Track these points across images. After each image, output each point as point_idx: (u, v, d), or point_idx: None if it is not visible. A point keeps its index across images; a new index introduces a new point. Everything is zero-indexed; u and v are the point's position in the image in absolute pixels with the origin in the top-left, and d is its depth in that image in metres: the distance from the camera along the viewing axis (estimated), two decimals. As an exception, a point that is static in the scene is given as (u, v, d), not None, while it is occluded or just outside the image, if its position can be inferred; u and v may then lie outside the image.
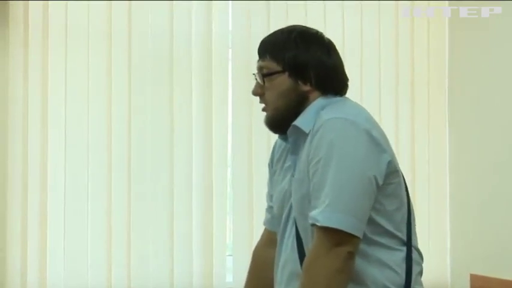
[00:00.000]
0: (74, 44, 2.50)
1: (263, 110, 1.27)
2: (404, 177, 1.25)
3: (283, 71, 1.23)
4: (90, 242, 2.51)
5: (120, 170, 2.51)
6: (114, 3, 2.50)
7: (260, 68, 1.25)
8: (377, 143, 1.17)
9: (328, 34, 1.29)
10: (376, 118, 1.24)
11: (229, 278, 2.61)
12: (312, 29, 1.30)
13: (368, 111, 1.25)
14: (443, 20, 2.97)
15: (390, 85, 2.78)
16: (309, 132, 1.19)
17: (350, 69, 2.59)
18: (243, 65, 2.48)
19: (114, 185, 2.51)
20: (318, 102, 1.22)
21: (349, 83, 1.29)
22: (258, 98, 1.28)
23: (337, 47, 1.28)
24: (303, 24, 1.35)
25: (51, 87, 2.49)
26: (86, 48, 2.50)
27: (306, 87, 1.23)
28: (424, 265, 1.30)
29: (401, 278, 1.23)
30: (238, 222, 2.58)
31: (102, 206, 2.50)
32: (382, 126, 1.22)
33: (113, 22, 2.51)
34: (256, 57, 1.26)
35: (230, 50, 2.56)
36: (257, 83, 1.26)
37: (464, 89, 3.00)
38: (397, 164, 1.22)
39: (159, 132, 2.55)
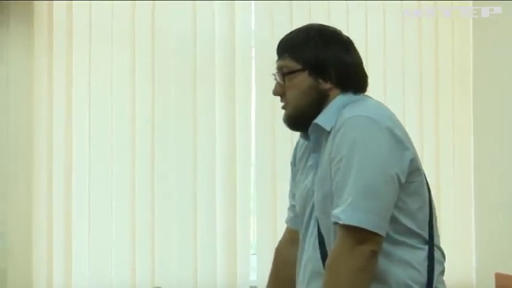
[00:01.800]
0: (97, 44, 2.52)
1: (283, 108, 1.27)
2: (426, 176, 1.25)
3: (303, 70, 1.24)
4: (115, 242, 2.53)
5: (144, 171, 2.53)
6: (137, 4, 2.52)
7: (280, 68, 1.26)
8: (399, 141, 1.17)
9: (351, 34, 1.30)
10: (400, 118, 1.24)
11: (253, 277, 2.62)
12: (330, 27, 1.31)
13: (391, 110, 1.26)
14: (468, 20, 2.94)
15: (414, 86, 2.75)
16: (331, 130, 1.19)
17: (373, 69, 2.57)
18: (267, 65, 2.46)
19: (138, 186, 2.52)
20: (339, 100, 1.23)
21: (373, 84, 1.28)
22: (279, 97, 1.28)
23: (360, 47, 1.29)
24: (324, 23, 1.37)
25: (75, 87, 2.53)
26: (110, 48, 2.52)
27: (327, 85, 1.23)
28: (449, 264, 1.29)
29: (424, 277, 1.23)
30: (262, 221, 2.58)
31: (126, 206, 2.53)
32: (406, 127, 1.23)
33: (136, 22, 2.54)
34: None
35: (253, 50, 2.56)
36: (277, 82, 1.27)
37: (489, 89, 2.98)
38: (420, 162, 1.22)
39: (182, 133, 2.55)
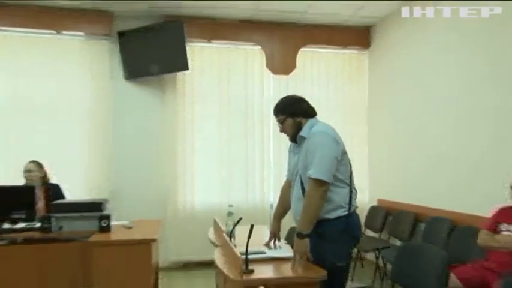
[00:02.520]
0: (206, 102, 5.10)
1: (286, 134, 2.30)
2: (348, 154, 2.21)
3: (287, 117, 2.22)
4: (214, 181, 5.08)
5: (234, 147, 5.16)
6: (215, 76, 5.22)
7: (278, 119, 2.27)
8: (337, 142, 2.11)
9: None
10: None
11: (271, 198, 5.11)
12: (294, 95, 2.32)
13: (331, 125, 2.23)
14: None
15: (339, 109, 5.33)
16: (306, 137, 2.15)
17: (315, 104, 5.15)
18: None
19: (230, 152, 5.18)
20: (309, 123, 2.20)
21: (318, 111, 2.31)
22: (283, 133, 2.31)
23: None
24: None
25: (194, 119, 5.10)
26: (210, 105, 5.10)
27: (300, 119, 2.20)
28: (357, 195, 2.29)
29: (347, 200, 2.14)
30: (275, 174, 5.29)
31: (219, 166, 5.13)
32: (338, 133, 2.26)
33: (216, 90, 5.21)
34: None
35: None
36: (279, 126, 2.30)
37: (376, 113, 5.37)
38: (345, 150, 2.15)
39: (253, 139, 5.16)
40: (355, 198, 2.20)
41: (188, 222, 4.99)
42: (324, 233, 2.13)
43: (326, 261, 2.10)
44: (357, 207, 2.24)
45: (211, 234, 3.15)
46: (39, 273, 3.26)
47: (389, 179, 4.88)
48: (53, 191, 3.88)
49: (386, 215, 4.72)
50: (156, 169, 5.01)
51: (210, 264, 3.15)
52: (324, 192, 2.07)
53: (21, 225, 3.49)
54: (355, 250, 4.40)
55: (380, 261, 4.27)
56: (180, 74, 4.98)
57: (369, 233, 4.87)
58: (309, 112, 2.27)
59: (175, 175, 5.02)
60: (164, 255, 4.70)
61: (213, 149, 5.16)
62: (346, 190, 2.15)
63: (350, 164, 2.23)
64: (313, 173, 2.07)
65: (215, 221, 3.23)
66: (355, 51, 5.44)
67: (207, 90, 5.15)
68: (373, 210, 4.97)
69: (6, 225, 3.40)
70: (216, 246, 2.77)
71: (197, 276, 4.69)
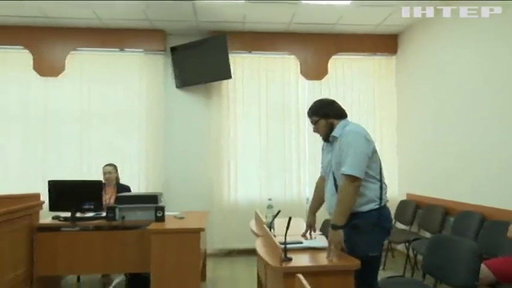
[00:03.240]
0: (245, 106, 5.14)
1: (319, 134, 2.27)
2: (378, 151, 2.15)
3: (320, 118, 2.19)
4: (252, 177, 5.06)
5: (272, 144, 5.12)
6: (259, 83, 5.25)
7: (312, 120, 2.24)
8: (368, 140, 2.07)
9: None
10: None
11: (307, 192, 5.03)
12: (326, 98, 2.31)
13: (361, 125, 2.18)
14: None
15: (369, 108, 5.17)
16: (339, 136, 2.12)
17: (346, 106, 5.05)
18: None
19: (269, 151, 5.15)
20: (341, 123, 2.17)
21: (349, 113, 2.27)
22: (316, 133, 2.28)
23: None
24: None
25: (235, 120, 5.16)
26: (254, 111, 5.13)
27: (331, 120, 2.18)
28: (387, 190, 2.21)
29: (378, 194, 2.09)
30: (310, 170, 5.23)
31: (258, 164, 5.13)
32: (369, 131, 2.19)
33: (261, 97, 5.25)
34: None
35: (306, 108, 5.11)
36: (313, 127, 2.27)
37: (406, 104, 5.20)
38: (376, 148, 2.11)
39: (294, 139, 5.16)
40: (385, 193, 2.14)
41: (232, 214, 5.02)
42: (357, 225, 2.05)
43: (359, 252, 2.02)
44: (387, 201, 2.15)
45: (252, 225, 3.14)
46: (104, 256, 3.38)
47: (418, 175, 4.70)
48: (125, 191, 4.08)
49: (416, 209, 4.53)
50: (203, 166, 5.08)
51: (251, 252, 3.15)
52: (357, 187, 2.01)
53: (90, 214, 3.63)
54: (386, 241, 4.25)
55: (411, 252, 4.08)
56: (224, 81, 5.03)
57: (399, 225, 4.69)
58: (340, 114, 2.22)
59: (220, 171, 5.07)
60: (210, 243, 4.77)
61: (254, 148, 5.16)
62: (377, 185, 2.09)
63: (380, 161, 2.17)
64: (346, 169, 2.02)
65: (256, 213, 3.21)
66: (384, 57, 5.29)
67: (248, 95, 5.18)
68: (402, 204, 4.79)
69: (78, 214, 3.55)
70: (257, 236, 2.74)
71: (240, 262, 4.71)
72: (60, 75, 4.96)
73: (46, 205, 3.55)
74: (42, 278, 3.43)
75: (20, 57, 4.88)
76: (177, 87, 5.14)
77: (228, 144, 5.12)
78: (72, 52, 4.99)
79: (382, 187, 2.11)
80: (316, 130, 2.27)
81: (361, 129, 2.12)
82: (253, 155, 5.15)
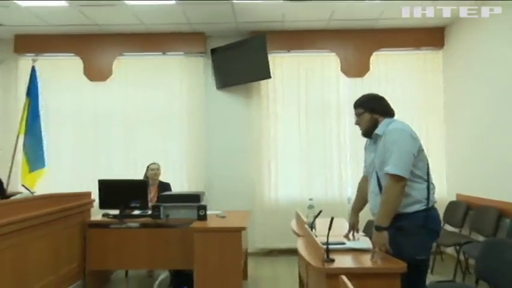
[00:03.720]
0: (285, 105, 5.11)
1: (359, 127, 2.18)
2: (424, 149, 2.06)
3: (365, 112, 2.13)
4: (294, 177, 5.03)
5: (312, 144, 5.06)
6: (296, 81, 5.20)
7: (356, 112, 2.16)
8: (414, 138, 1.99)
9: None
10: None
11: (348, 192, 4.95)
12: (374, 93, 2.22)
13: (407, 123, 2.10)
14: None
15: (415, 106, 4.95)
16: (382, 134, 2.05)
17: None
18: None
19: (309, 153, 5.09)
20: (385, 121, 2.09)
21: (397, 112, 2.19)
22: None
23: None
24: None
25: (276, 120, 5.16)
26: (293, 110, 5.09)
27: (377, 116, 2.10)
28: (436, 190, 2.10)
29: (425, 195, 1.99)
30: (352, 170, 5.09)
31: (301, 165, 5.09)
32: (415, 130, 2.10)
33: (301, 94, 5.17)
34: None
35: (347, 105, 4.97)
36: (356, 119, 2.19)
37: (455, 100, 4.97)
38: (422, 146, 2.03)
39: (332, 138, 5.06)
40: (433, 194, 2.03)
41: (272, 214, 5.02)
42: (402, 226, 1.97)
43: (405, 254, 1.94)
44: (435, 202, 2.05)
45: (293, 224, 3.12)
46: (150, 252, 3.50)
47: (468, 174, 4.45)
48: (166, 188, 4.21)
49: (466, 210, 4.29)
50: (243, 166, 5.09)
51: (292, 252, 3.14)
52: (401, 187, 1.93)
53: (136, 212, 3.78)
54: (434, 244, 4.00)
55: (461, 256, 3.86)
56: (263, 81, 5.03)
57: (448, 227, 4.46)
58: (387, 111, 2.13)
59: (261, 171, 5.07)
60: (252, 242, 4.79)
61: (294, 148, 5.12)
62: (424, 185, 1.99)
63: (427, 161, 2.06)
64: (390, 168, 1.94)
65: (297, 213, 3.20)
66: (429, 51, 5.05)
67: (288, 94, 5.15)
68: (452, 205, 4.55)
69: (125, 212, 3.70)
70: (298, 236, 2.72)
71: (281, 262, 4.70)
72: (108, 79, 5.20)
73: (96, 203, 3.72)
74: (94, 272, 3.61)
75: (71, 64, 5.18)
76: (217, 88, 5.22)
77: (268, 144, 5.12)
78: (118, 57, 5.22)
79: (429, 187, 2.02)
80: (357, 123, 2.19)
81: (406, 127, 2.04)
82: (294, 155, 5.11)
